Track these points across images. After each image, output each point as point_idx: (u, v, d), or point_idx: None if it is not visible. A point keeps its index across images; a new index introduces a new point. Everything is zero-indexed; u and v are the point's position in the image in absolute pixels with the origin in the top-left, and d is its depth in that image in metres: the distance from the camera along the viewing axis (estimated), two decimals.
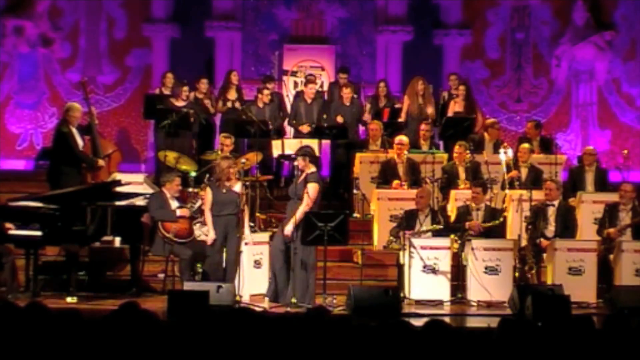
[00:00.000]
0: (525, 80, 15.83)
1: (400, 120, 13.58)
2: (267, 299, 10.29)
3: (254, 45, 15.75)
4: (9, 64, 15.63)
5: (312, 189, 10.08)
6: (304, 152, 10.42)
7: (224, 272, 10.16)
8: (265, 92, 13.58)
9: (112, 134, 15.45)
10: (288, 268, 10.15)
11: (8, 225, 10.12)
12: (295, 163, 10.53)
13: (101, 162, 11.81)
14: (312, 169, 10.23)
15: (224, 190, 10.30)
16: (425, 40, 15.65)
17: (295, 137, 13.51)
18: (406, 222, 10.97)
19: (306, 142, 12.84)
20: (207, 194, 10.36)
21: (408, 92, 13.74)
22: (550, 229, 11.10)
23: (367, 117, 13.70)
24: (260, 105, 13.47)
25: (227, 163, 10.42)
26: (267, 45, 15.73)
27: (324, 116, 13.45)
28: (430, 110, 13.53)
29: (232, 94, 13.97)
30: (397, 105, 13.91)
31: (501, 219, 11.20)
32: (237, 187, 10.43)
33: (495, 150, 12.73)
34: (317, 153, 13.08)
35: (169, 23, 15.68)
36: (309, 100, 13.61)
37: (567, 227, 11.10)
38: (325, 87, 14.76)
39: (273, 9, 15.76)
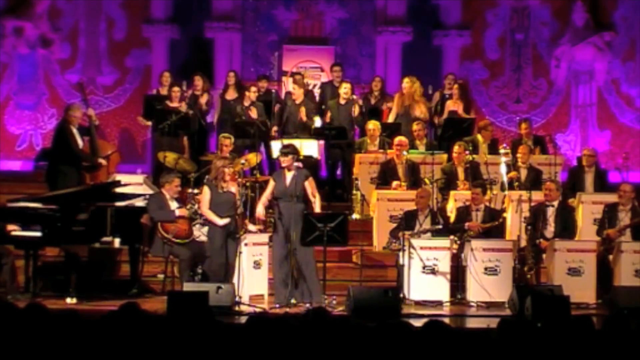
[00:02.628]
0: (525, 81, 15.83)
1: (389, 121, 13.55)
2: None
3: (253, 46, 15.75)
4: (8, 64, 15.63)
5: (312, 182, 10.23)
6: (292, 149, 10.43)
7: (225, 273, 10.15)
8: (253, 89, 13.55)
9: (111, 134, 15.46)
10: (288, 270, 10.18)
11: (11, 227, 10.11)
12: (284, 162, 10.30)
13: (102, 161, 11.81)
14: (298, 164, 10.28)
15: (221, 191, 10.31)
16: (424, 40, 15.65)
17: (290, 137, 13.48)
18: (405, 223, 10.97)
19: (306, 142, 12.85)
20: (205, 193, 10.37)
21: (398, 92, 13.77)
22: (550, 230, 11.09)
23: (356, 112, 13.41)
24: (246, 103, 13.43)
25: (221, 162, 10.44)
26: (266, 46, 15.73)
27: (315, 118, 13.46)
28: (418, 110, 13.47)
29: (229, 95, 13.98)
30: (389, 104, 13.90)
31: (500, 220, 11.20)
32: (233, 188, 10.43)
33: (490, 152, 12.72)
34: (316, 154, 13.12)
35: (169, 24, 15.68)
36: (298, 101, 13.56)
37: (566, 227, 11.10)
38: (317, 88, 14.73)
39: (272, 10, 15.76)
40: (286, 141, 12.67)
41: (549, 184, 11.31)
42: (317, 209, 10.30)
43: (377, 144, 12.84)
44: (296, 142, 12.52)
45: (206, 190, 10.39)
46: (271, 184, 10.36)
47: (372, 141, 12.95)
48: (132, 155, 15.28)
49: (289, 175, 10.24)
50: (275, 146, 13.08)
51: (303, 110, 13.33)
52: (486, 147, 12.93)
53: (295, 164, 10.41)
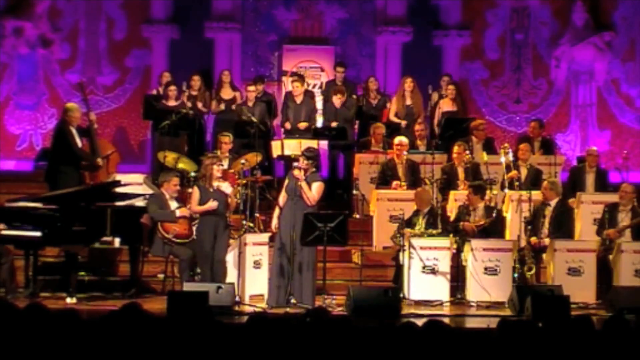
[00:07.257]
0: (525, 81, 15.83)
1: (388, 121, 13.59)
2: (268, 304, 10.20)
3: (253, 46, 15.74)
4: (8, 64, 15.62)
5: (318, 187, 10.13)
6: (315, 155, 10.36)
7: (216, 271, 10.12)
8: (250, 88, 13.59)
9: (111, 134, 15.46)
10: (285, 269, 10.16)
11: None
12: (299, 163, 10.23)
13: (100, 161, 11.81)
14: (313, 169, 10.24)
15: (211, 190, 10.27)
16: (424, 41, 15.65)
17: (291, 137, 13.48)
18: (408, 221, 10.97)
19: (305, 142, 12.85)
20: (195, 193, 10.35)
21: (397, 91, 13.80)
22: (545, 229, 11.10)
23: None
24: (250, 104, 13.47)
25: (209, 161, 10.40)
26: (266, 46, 15.73)
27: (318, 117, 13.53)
28: (416, 108, 13.52)
29: (225, 94, 13.99)
30: (388, 104, 13.94)
31: (494, 215, 11.11)
32: (226, 187, 10.36)
33: (486, 151, 12.70)
34: None
35: (169, 24, 15.67)
36: (298, 101, 13.59)
37: (560, 227, 11.08)
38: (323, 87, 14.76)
39: (272, 10, 15.75)
40: (290, 141, 12.71)
41: (544, 184, 11.36)
42: (307, 192, 10.07)
43: (382, 146, 12.86)
44: (296, 143, 12.56)
45: (195, 189, 10.39)
46: (286, 182, 10.35)
47: (376, 142, 12.97)
48: (132, 155, 15.29)
49: (300, 175, 10.20)
50: (275, 146, 13.11)
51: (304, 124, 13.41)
52: (480, 147, 12.92)
53: (313, 170, 10.28)
